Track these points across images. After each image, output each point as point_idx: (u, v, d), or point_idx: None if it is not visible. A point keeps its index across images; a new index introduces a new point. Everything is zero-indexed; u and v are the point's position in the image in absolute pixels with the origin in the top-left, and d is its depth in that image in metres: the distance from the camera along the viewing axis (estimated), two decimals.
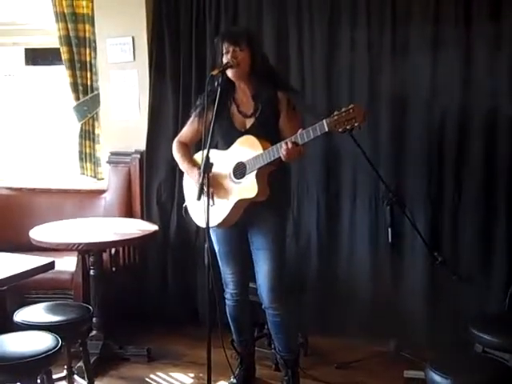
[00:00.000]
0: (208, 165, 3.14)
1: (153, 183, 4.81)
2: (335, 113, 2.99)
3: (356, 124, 2.95)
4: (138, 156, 4.83)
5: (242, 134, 3.38)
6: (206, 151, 3.16)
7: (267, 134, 3.33)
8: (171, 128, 4.68)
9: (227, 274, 3.63)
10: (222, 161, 3.40)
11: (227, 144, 3.43)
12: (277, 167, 3.33)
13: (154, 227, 4.34)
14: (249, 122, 3.42)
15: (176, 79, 4.70)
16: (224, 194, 3.39)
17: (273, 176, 3.34)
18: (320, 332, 4.33)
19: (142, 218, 4.77)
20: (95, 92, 5.01)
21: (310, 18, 4.39)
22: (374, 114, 4.25)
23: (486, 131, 4.10)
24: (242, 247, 3.54)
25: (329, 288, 4.45)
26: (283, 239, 3.58)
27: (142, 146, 4.83)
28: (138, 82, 4.83)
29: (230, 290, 3.66)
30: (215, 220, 3.40)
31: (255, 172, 3.28)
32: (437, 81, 4.18)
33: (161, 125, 4.77)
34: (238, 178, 3.36)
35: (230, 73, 3.33)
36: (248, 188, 3.31)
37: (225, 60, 3.31)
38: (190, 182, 3.52)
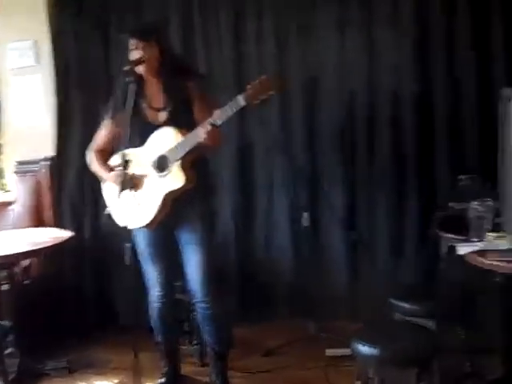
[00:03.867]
0: (126, 161, 3.09)
1: (64, 189, 4.66)
2: (249, 86, 3.00)
3: (271, 93, 2.98)
4: (48, 163, 4.65)
5: (156, 127, 3.32)
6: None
7: (183, 124, 3.27)
8: (80, 132, 4.56)
9: (154, 275, 3.50)
10: (142, 157, 3.32)
11: (144, 140, 3.35)
12: (199, 154, 3.29)
13: (67, 234, 4.17)
14: (163, 116, 3.35)
15: (83, 81, 4.59)
16: (150, 190, 3.30)
17: (196, 164, 3.29)
18: (243, 321, 4.28)
19: (56, 226, 4.60)
20: None
21: (215, 10, 4.42)
22: (285, 96, 4.29)
23: (393, 108, 4.22)
24: (168, 246, 3.45)
25: (248, 276, 4.45)
26: (211, 229, 3.52)
27: (51, 153, 4.67)
28: (42, 87, 4.68)
29: (156, 292, 3.53)
30: (144, 220, 3.30)
31: (179, 161, 3.22)
32: (344, 59, 4.27)
33: (69, 129, 4.63)
34: (162, 171, 3.29)
35: (140, 68, 3.28)
36: (174, 178, 3.23)
37: (135, 56, 3.26)
38: (111, 188, 3.41)
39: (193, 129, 3.21)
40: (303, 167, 4.17)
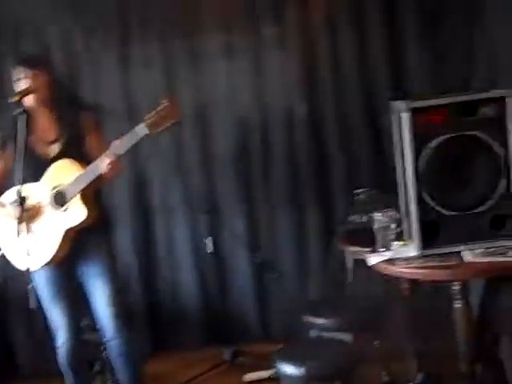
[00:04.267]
0: (22, 197, 2.92)
1: None
2: (150, 114, 2.93)
3: (175, 120, 2.94)
4: None
5: (51, 161, 3.18)
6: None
7: (76, 157, 3.15)
8: None
9: (58, 318, 3.30)
10: (38, 193, 3.16)
11: (39, 175, 3.18)
12: (97, 186, 3.18)
13: None
14: (55, 148, 3.21)
15: None
16: (48, 227, 3.14)
17: (95, 197, 3.18)
18: (154, 354, 4.17)
19: None
20: None
21: (100, 36, 4.32)
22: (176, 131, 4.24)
23: (285, 128, 4.29)
24: (71, 285, 3.28)
25: (155, 308, 4.36)
26: (115, 261, 3.38)
27: None
28: None
29: (63, 335, 3.31)
30: (43, 258, 3.13)
31: (79, 195, 3.09)
32: (234, 83, 4.30)
33: None
34: (62, 206, 3.14)
35: (30, 99, 3.12)
36: (75, 213, 3.10)
37: (22, 86, 3.11)
38: (4, 227, 3.22)
39: (86, 161, 3.11)
40: (201, 193, 4.13)
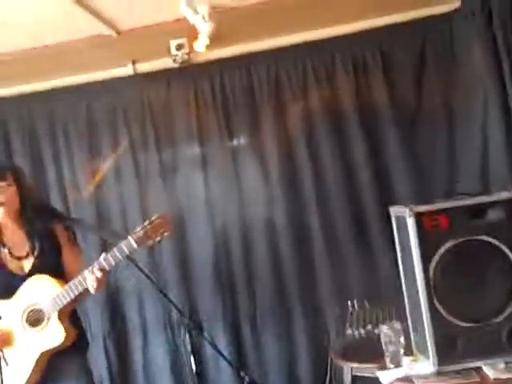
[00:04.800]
0: None
1: None
2: (139, 228, 2.73)
3: (166, 233, 2.74)
4: None
5: (23, 277, 2.90)
6: None
7: (52, 271, 2.90)
8: None
9: None
10: (10, 312, 2.88)
11: (9, 292, 2.91)
12: (76, 305, 2.93)
13: None
14: (28, 263, 2.95)
15: None
16: (21, 349, 2.83)
17: (71, 315, 2.92)
18: None
19: None
20: None
21: (68, 145, 4.20)
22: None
23: (267, 238, 4.08)
24: None
25: None
26: None
27: None
28: None
29: None
30: (16, 381, 2.81)
31: (56, 314, 2.82)
32: (211, 197, 4.14)
33: None
34: (36, 326, 2.84)
35: None
36: (52, 334, 2.81)
37: None
38: None
39: (61, 277, 2.88)
40: (181, 308, 3.85)
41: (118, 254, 2.74)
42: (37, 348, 2.81)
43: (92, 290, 2.79)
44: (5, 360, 2.79)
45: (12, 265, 2.95)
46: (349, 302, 3.68)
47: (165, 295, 3.60)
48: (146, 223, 2.74)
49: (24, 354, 2.82)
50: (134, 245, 2.72)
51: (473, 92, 3.52)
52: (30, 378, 2.82)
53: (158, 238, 2.75)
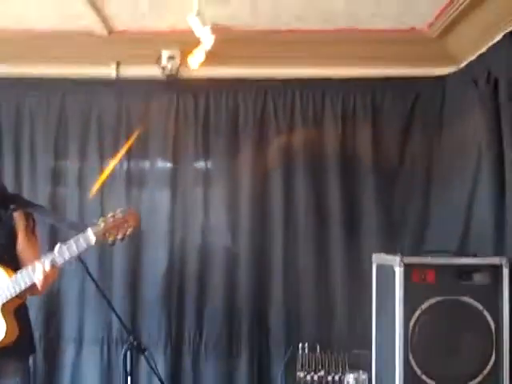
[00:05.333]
0: None
1: None
2: (101, 219, 2.46)
3: (130, 230, 2.47)
4: None
5: None
6: None
7: (4, 260, 2.66)
8: None
9: None
10: None
11: None
12: (24, 300, 2.66)
13: None
14: None
15: None
16: None
17: (17, 312, 2.63)
18: None
19: None
20: None
21: (32, 139, 3.99)
22: (105, 253, 3.84)
23: (225, 266, 3.92)
24: None
25: None
26: None
27: None
28: None
29: None
30: None
31: (0, 307, 2.56)
32: (174, 216, 3.97)
33: None
34: None
35: None
36: None
37: None
38: None
39: (14, 265, 2.62)
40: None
41: (73, 248, 2.46)
42: None
43: (38, 285, 2.51)
44: None
45: None
46: (300, 344, 3.54)
47: (111, 306, 3.41)
48: (108, 215, 2.47)
49: None
50: (93, 238, 2.44)
51: (458, 157, 3.54)
52: None
53: (120, 236, 2.46)
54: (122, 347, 3.43)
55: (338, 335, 3.67)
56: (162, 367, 3.75)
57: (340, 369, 3.33)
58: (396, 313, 2.52)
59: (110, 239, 2.46)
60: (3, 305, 2.55)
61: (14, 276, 2.55)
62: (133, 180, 3.98)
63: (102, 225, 2.44)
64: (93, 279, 3.09)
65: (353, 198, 3.91)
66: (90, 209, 3.90)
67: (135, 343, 3.38)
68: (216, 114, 3.98)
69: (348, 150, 3.93)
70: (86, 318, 3.86)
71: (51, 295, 3.82)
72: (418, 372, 2.48)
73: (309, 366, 3.41)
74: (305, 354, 3.49)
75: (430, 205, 3.83)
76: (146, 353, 3.48)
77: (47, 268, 2.48)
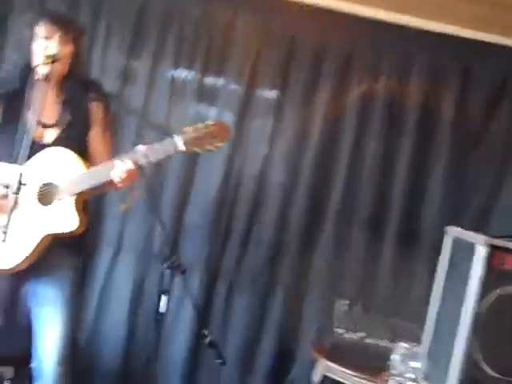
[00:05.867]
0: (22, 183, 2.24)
1: None
2: (191, 128, 2.38)
3: (219, 144, 2.39)
4: None
5: (42, 147, 2.55)
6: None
7: (75, 150, 2.55)
8: None
9: None
10: (16, 179, 2.47)
11: (21, 157, 2.49)
12: (94, 194, 2.63)
13: None
14: (51, 134, 2.61)
15: None
16: (23, 225, 2.46)
17: (85, 206, 2.58)
18: None
19: None
20: None
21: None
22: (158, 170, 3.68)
23: (279, 204, 3.77)
24: (13, 304, 2.61)
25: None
26: (77, 295, 2.72)
27: None
28: None
29: None
30: (7, 261, 2.46)
31: (74, 198, 2.47)
32: (236, 144, 3.78)
33: None
34: (47, 204, 2.48)
35: (46, 68, 2.51)
36: (65, 218, 2.47)
37: (51, 49, 2.51)
38: None
39: (85, 158, 2.55)
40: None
41: (159, 152, 2.39)
42: (43, 228, 2.45)
43: (117, 182, 2.44)
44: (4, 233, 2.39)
45: (33, 130, 2.55)
46: (343, 300, 3.43)
47: (160, 219, 3.33)
48: (199, 125, 2.39)
49: (25, 232, 2.47)
50: (181, 146, 2.36)
51: None
52: (26, 259, 2.47)
53: (209, 147, 2.38)
54: (160, 264, 3.38)
55: (380, 300, 3.56)
56: (195, 293, 3.67)
57: (381, 334, 3.22)
58: (467, 294, 2.38)
59: (198, 149, 2.37)
60: (77, 196, 2.47)
61: (91, 169, 2.47)
62: (203, 95, 3.77)
63: (192, 134, 2.35)
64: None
65: (424, 159, 3.73)
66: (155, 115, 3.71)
67: (176, 263, 3.33)
68: (302, 47, 3.75)
69: (429, 110, 3.72)
70: (128, 226, 3.75)
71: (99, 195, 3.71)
72: (478, 356, 2.37)
73: (348, 324, 3.31)
74: (345, 310, 3.38)
75: (502, 186, 3.66)
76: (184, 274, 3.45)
77: (130, 166, 2.39)
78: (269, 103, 3.80)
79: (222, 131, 2.39)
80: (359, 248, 3.72)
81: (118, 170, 2.41)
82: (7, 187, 2.37)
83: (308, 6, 3.70)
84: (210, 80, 3.82)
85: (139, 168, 2.44)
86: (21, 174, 2.31)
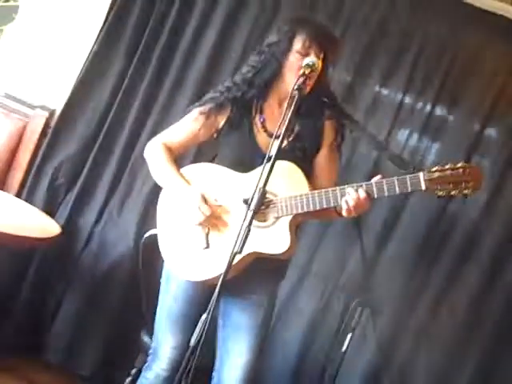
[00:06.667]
0: (262, 198, 2.01)
1: (52, 158, 3.47)
2: (436, 167, 2.12)
3: (467, 191, 2.10)
4: (45, 114, 3.49)
5: (263, 157, 2.29)
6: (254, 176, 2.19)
7: (297, 164, 2.34)
8: (105, 98, 3.48)
9: (167, 345, 2.47)
10: (237, 188, 2.36)
11: (242, 164, 2.38)
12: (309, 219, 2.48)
13: (53, 227, 3.05)
14: (276, 145, 2.35)
15: (133, 40, 3.47)
16: (230, 237, 2.26)
17: (297, 230, 2.39)
18: None
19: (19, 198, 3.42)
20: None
21: None
22: None
23: None
24: (199, 316, 2.39)
25: None
26: (268, 324, 2.51)
27: (53, 104, 3.55)
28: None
29: (159, 366, 2.49)
30: (205, 272, 2.32)
31: (289, 218, 2.26)
32: None
33: (92, 88, 3.50)
34: (261, 220, 2.27)
35: (301, 78, 2.24)
36: (276, 238, 2.26)
37: (299, 59, 2.33)
38: (175, 206, 2.42)
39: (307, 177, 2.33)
40: None
41: (395, 187, 2.13)
42: (252, 245, 2.19)
43: (344, 210, 2.20)
44: (207, 241, 2.29)
45: (260, 137, 2.42)
46: None
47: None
48: (446, 166, 2.11)
49: (231, 244, 2.23)
50: (422, 185, 2.10)
51: None
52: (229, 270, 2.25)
53: (454, 193, 2.10)
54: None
55: None
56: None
57: None
58: None
59: (440, 193, 2.12)
60: (293, 217, 2.27)
61: (318, 191, 2.25)
62: (429, 127, 3.39)
63: (437, 174, 2.10)
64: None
65: None
66: None
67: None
68: None
69: None
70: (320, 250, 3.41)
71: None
72: None
73: None
74: None
75: None
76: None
77: (362, 195, 2.15)
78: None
79: (471, 177, 2.10)
80: None
81: (350, 197, 2.16)
82: (246, 202, 2.14)
83: None
84: (439, 110, 3.43)
85: (371, 200, 2.19)
86: (263, 191, 2.03)
